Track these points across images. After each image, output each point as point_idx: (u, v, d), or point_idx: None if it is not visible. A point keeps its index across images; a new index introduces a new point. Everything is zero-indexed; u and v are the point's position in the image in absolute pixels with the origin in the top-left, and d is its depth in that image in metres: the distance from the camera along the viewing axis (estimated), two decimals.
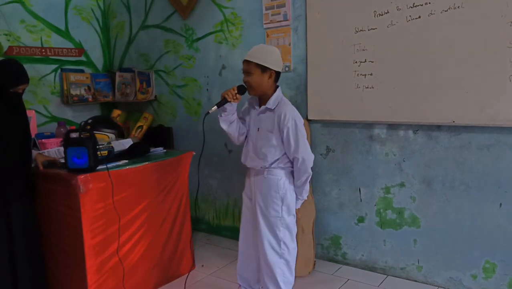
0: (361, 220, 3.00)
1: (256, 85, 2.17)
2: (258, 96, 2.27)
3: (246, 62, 2.16)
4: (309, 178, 2.25)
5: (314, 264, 3.04)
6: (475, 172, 2.54)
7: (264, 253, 2.24)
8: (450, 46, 2.46)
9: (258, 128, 2.25)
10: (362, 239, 3.02)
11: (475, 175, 2.55)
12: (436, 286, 2.75)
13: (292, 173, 2.27)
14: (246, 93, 2.25)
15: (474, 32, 2.37)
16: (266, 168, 2.22)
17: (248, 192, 2.38)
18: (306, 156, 2.18)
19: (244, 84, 2.22)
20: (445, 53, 2.47)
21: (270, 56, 2.16)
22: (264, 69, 2.14)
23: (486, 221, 2.54)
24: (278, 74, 2.22)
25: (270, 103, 2.20)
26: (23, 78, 2.37)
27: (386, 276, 2.92)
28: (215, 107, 2.21)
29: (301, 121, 2.20)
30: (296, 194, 2.29)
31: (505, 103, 2.33)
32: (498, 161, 2.47)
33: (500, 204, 2.49)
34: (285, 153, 2.22)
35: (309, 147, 2.22)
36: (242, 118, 2.36)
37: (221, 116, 2.24)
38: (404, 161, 2.78)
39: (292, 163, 2.23)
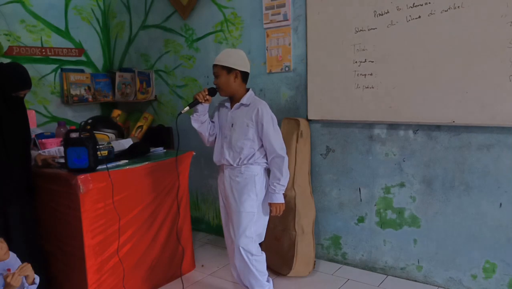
0: (361, 220, 3.00)
1: (224, 86, 2.33)
2: (228, 96, 2.41)
3: (214, 66, 2.34)
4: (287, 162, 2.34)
5: (314, 264, 3.04)
6: (475, 172, 2.54)
7: (238, 247, 2.35)
8: (450, 46, 2.46)
9: (232, 125, 2.36)
10: (362, 239, 3.02)
11: (475, 175, 2.55)
12: (436, 286, 2.75)
13: (266, 169, 2.39)
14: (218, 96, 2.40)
15: (474, 32, 2.37)
16: (244, 164, 2.33)
17: (222, 190, 2.49)
18: (284, 152, 2.32)
19: (214, 87, 2.37)
20: (445, 53, 2.47)
21: (233, 58, 2.32)
22: (229, 70, 2.29)
23: (486, 221, 2.54)
24: (244, 74, 2.34)
25: (244, 100, 2.36)
26: (26, 84, 2.39)
27: (386, 276, 2.92)
28: (187, 108, 2.37)
29: (275, 118, 2.35)
30: (275, 187, 2.33)
31: (505, 103, 2.33)
32: (498, 161, 2.47)
33: (500, 204, 2.49)
34: (259, 148, 2.33)
35: (282, 140, 2.36)
36: (212, 121, 2.49)
37: (193, 116, 2.40)
38: (404, 161, 2.78)
39: (266, 158, 2.37)
